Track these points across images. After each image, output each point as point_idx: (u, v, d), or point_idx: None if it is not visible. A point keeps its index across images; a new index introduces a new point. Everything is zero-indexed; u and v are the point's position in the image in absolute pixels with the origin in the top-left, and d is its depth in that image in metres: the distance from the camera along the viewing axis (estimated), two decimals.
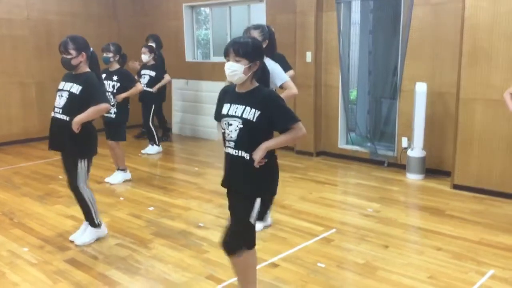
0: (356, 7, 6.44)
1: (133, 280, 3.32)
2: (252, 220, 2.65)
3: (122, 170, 5.70)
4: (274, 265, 3.51)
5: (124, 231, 4.19)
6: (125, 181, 5.70)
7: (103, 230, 4.04)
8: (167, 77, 7.16)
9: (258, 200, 2.61)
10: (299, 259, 3.59)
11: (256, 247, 2.83)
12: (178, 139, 8.37)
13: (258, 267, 3.27)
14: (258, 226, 3.77)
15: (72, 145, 3.71)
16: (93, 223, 3.94)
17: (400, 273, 3.35)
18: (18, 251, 3.79)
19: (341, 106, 6.67)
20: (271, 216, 4.24)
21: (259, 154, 2.51)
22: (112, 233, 4.12)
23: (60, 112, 3.70)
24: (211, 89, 7.88)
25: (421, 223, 4.34)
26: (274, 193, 2.72)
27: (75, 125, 3.61)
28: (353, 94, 7.23)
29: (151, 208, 4.77)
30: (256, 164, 2.51)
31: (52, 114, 3.76)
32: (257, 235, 2.82)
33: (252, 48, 2.55)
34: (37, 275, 3.40)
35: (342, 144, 6.78)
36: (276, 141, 2.57)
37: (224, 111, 2.64)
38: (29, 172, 6.18)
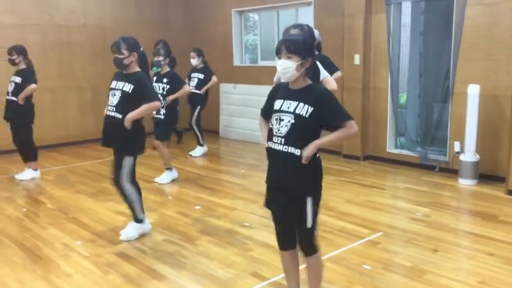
0: (406, 8, 6.33)
1: (180, 274, 3.40)
2: (309, 224, 2.58)
3: (168, 169, 5.85)
4: None
5: (172, 228, 4.30)
6: (173, 180, 5.83)
7: (147, 226, 4.14)
8: (214, 78, 7.26)
9: (310, 199, 2.56)
10: (344, 260, 3.55)
11: (300, 246, 2.80)
12: (225, 142, 8.49)
13: (302, 266, 3.27)
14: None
15: (122, 142, 3.85)
16: (136, 218, 4.06)
17: (449, 277, 3.24)
18: (72, 244, 3.97)
19: (390, 110, 6.54)
20: None
21: (309, 151, 2.47)
22: (160, 230, 4.24)
23: (114, 110, 3.83)
24: (259, 93, 7.94)
25: (473, 228, 4.19)
26: (320, 191, 2.66)
27: (127, 121, 3.74)
28: (403, 98, 7.08)
29: (197, 207, 4.86)
30: (304, 160, 2.48)
31: (106, 112, 3.91)
32: None
33: (303, 45, 2.53)
34: (89, 267, 3.54)
35: (390, 149, 6.64)
36: (328, 139, 2.53)
37: (276, 106, 2.61)
38: (84, 171, 6.46)
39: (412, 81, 6.60)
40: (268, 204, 2.77)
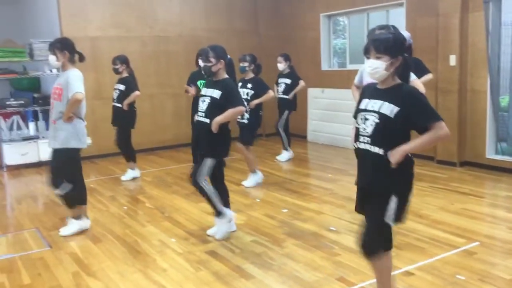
0: (506, 6, 5.92)
1: (267, 275, 3.47)
2: (388, 219, 2.56)
3: (253, 173, 5.98)
4: (408, 273, 3.39)
5: (259, 229, 4.40)
6: (258, 183, 5.94)
7: (228, 214, 4.22)
8: (301, 83, 7.28)
9: (394, 199, 2.51)
10: (436, 270, 3.41)
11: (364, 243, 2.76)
12: (313, 147, 8.49)
13: (396, 272, 3.19)
14: None
15: (209, 145, 4.03)
16: (218, 213, 4.17)
17: None
18: (167, 241, 4.22)
19: (489, 113, 6.15)
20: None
21: (396, 157, 2.43)
22: (248, 231, 4.36)
23: (203, 115, 4.04)
24: (347, 97, 7.82)
25: None
26: (409, 191, 2.60)
27: (214, 125, 3.92)
28: (504, 101, 6.60)
29: (284, 210, 4.93)
30: (393, 166, 2.44)
31: (196, 118, 4.14)
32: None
33: (393, 43, 2.48)
34: (182, 263, 3.75)
35: (490, 154, 6.23)
36: (416, 143, 2.46)
37: (362, 105, 2.60)
38: (179, 173, 6.82)
39: None
40: (358, 208, 2.75)
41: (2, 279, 3.59)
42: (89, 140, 5.79)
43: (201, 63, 5.41)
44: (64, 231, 4.45)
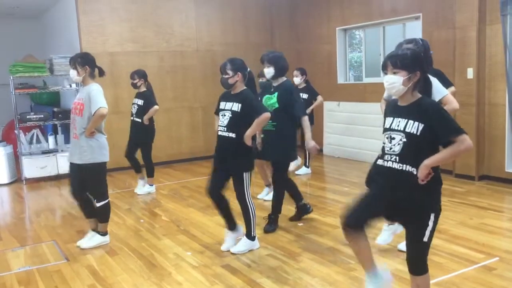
0: None
1: None
2: (428, 239, 2.56)
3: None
4: None
5: (275, 243, 4.38)
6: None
7: (256, 243, 4.27)
8: (320, 98, 7.26)
9: (433, 216, 2.53)
10: (455, 286, 3.36)
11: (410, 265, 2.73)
12: (330, 160, 8.46)
13: None
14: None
15: (238, 160, 4.02)
16: (250, 235, 4.20)
17: None
18: (183, 255, 4.22)
19: (508, 126, 6.06)
20: None
21: (421, 173, 2.44)
22: (264, 244, 4.34)
23: (225, 130, 4.03)
24: (363, 111, 7.83)
25: None
26: (440, 208, 2.60)
27: (247, 139, 3.92)
28: None
29: (300, 224, 4.90)
30: (421, 182, 2.45)
31: (218, 133, 4.12)
32: None
33: (410, 59, 2.51)
34: (197, 276, 3.74)
35: (510, 168, 6.13)
36: (438, 157, 2.46)
37: (387, 124, 2.61)
38: (195, 186, 6.85)
39: None
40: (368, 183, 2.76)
41: None
42: None
43: None
44: (85, 243, 4.49)
